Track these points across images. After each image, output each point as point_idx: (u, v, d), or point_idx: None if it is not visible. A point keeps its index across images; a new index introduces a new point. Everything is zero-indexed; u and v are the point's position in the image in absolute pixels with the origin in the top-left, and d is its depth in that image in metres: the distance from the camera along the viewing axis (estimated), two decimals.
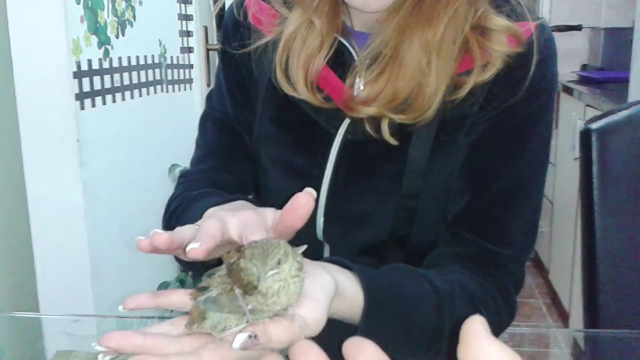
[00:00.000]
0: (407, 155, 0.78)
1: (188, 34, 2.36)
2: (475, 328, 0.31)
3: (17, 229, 1.56)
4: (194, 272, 0.78)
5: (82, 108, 1.51)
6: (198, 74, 2.43)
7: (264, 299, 0.47)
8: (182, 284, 2.12)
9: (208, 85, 2.52)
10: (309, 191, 0.54)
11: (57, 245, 1.50)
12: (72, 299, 1.52)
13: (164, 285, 2.04)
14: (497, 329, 0.78)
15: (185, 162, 2.16)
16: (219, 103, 0.92)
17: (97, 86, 1.59)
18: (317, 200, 0.86)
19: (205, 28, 2.48)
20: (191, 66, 2.40)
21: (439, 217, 0.81)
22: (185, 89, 2.35)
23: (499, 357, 0.30)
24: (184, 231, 0.56)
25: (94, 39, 1.58)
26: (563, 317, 2.83)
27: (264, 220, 0.59)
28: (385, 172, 0.81)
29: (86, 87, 1.53)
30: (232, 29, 0.88)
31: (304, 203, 0.54)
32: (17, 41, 1.40)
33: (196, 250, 0.52)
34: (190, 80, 2.39)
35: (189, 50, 2.38)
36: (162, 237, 0.52)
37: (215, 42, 2.54)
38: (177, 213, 0.80)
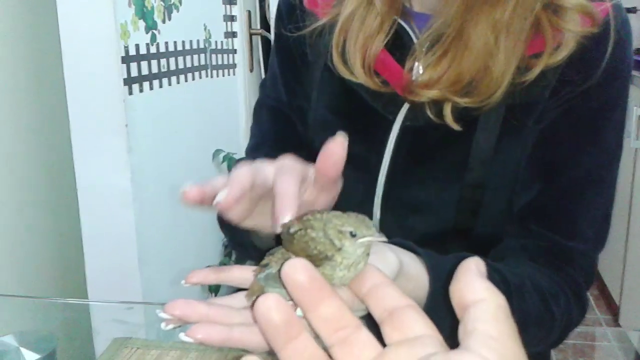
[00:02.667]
0: (472, 142, 0.74)
1: (232, 18, 2.35)
2: (469, 266, 0.32)
3: (66, 214, 1.57)
4: (242, 253, 0.75)
5: (130, 93, 1.50)
6: (241, 58, 2.41)
7: (332, 270, 0.44)
8: None
9: (250, 70, 2.51)
10: (339, 134, 0.51)
11: (106, 231, 1.51)
12: (120, 284, 1.53)
13: None
14: (568, 326, 0.74)
15: (228, 148, 2.15)
16: (273, 90, 0.89)
17: (145, 71, 1.59)
18: (374, 189, 0.84)
19: (249, 12, 2.47)
20: (234, 51, 2.38)
21: (505, 209, 0.77)
22: (228, 74, 2.34)
23: (484, 292, 0.30)
24: (215, 181, 0.52)
25: (142, 24, 1.57)
26: (612, 309, 2.75)
27: (305, 170, 0.54)
28: (447, 160, 0.77)
29: (134, 72, 1.53)
30: (287, 13, 0.86)
31: (335, 148, 0.51)
32: (66, 27, 1.40)
33: (223, 200, 0.49)
34: (233, 65, 2.38)
35: (233, 35, 2.37)
36: (193, 192, 0.50)
37: (259, 26, 2.52)
38: None
